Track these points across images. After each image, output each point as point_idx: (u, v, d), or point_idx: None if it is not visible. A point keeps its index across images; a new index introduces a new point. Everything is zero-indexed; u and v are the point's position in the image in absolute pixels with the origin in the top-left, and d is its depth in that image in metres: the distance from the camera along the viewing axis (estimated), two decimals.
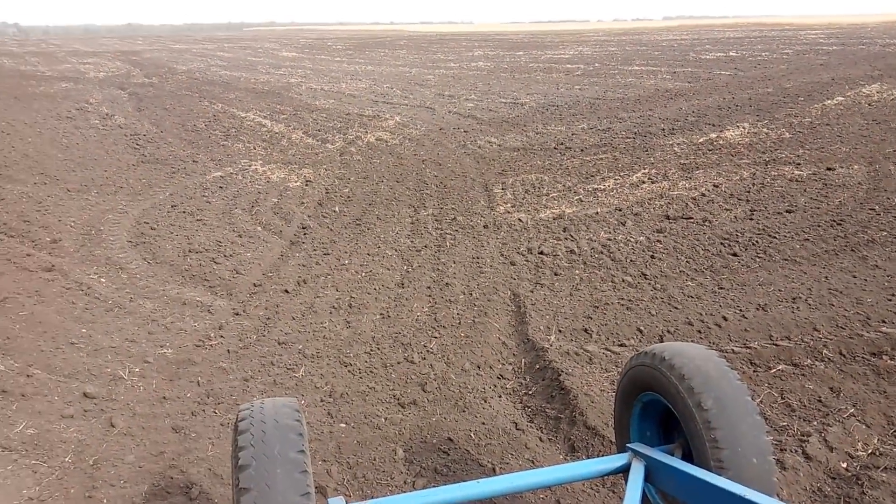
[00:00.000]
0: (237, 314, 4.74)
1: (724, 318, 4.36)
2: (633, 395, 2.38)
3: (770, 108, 12.37)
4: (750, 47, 30.09)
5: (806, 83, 15.76)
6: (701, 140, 9.90)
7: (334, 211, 7.23)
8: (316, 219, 6.96)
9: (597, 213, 6.76)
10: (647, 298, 4.75)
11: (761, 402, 3.47)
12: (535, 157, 9.45)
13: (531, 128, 11.67)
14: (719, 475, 1.93)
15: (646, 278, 5.11)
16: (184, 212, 7.21)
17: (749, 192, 7.19)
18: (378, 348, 4.21)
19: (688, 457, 2.15)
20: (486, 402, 3.61)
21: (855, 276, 4.94)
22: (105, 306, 4.84)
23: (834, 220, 6.13)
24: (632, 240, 5.92)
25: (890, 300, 4.51)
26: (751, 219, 6.33)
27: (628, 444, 2.29)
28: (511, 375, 3.91)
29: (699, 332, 4.24)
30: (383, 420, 3.46)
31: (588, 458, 3.11)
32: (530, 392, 3.74)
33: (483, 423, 3.41)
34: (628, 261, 5.47)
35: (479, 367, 3.95)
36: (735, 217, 6.40)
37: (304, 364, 4.03)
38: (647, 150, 9.43)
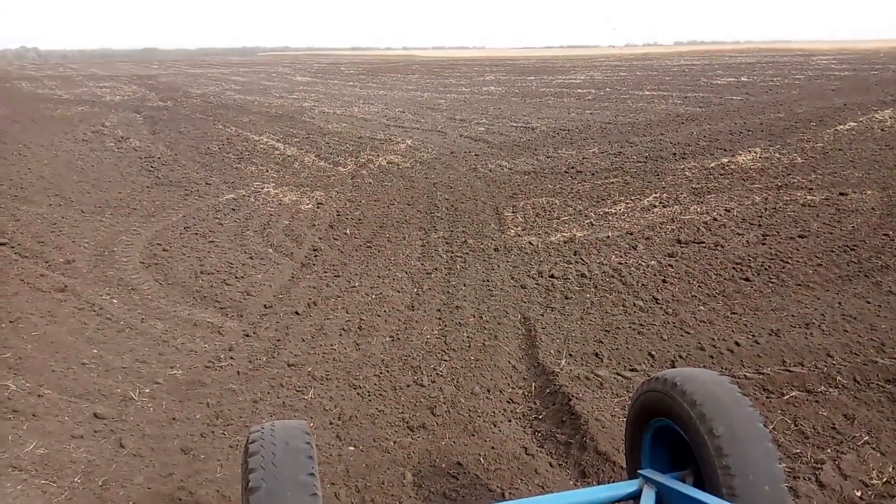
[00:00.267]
0: (247, 336, 4.75)
1: (737, 344, 4.32)
2: (645, 421, 2.36)
3: (782, 133, 12.37)
4: (761, 72, 30.17)
5: (818, 108, 15.76)
6: (712, 165, 9.89)
7: (345, 233, 7.26)
8: (327, 241, 6.99)
9: (608, 236, 6.75)
10: (659, 323, 4.72)
11: (774, 428, 3.42)
12: (546, 180, 9.47)
13: (542, 152, 11.71)
14: (731, 503, 1.90)
15: (657, 303, 5.08)
16: (196, 233, 7.26)
17: (761, 216, 7.17)
18: (387, 371, 4.20)
19: (699, 484, 2.12)
20: (495, 426, 3.58)
21: (869, 302, 4.90)
22: (117, 327, 4.87)
23: (847, 246, 6.09)
24: (643, 264, 5.90)
25: None
26: (763, 243, 6.30)
27: (639, 471, 2.27)
28: (521, 400, 3.89)
29: (711, 357, 4.20)
30: (392, 443, 3.44)
31: (599, 484, 3.07)
32: (540, 417, 3.71)
33: (493, 448, 3.38)
34: (639, 285, 5.44)
35: (488, 391, 3.93)
36: (747, 242, 6.37)
37: (313, 386, 4.03)
38: (658, 175, 9.44)
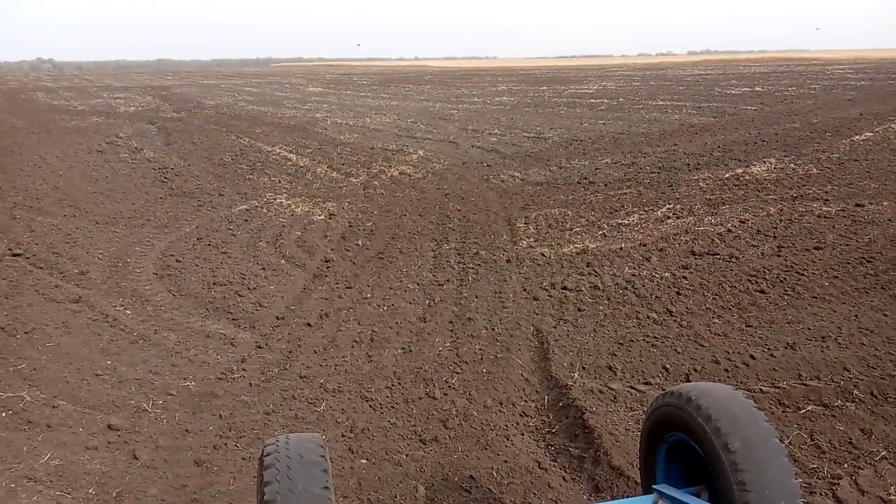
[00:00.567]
0: (260, 347, 4.76)
1: (752, 357, 4.28)
2: (659, 436, 2.34)
3: (797, 144, 12.29)
4: (776, 82, 30.04)
5: (833, 118, 15.66)
6: (727, 175, 9.85)
7: (357, 244, 7.28)
8: (339, 252, 7.01)
9: (621, 248, 6.72)
10: (673, 336, 4.69)
11: (790, 443, 3.38)
12: (559, 191, 9.46)
13: (554, 162, 11.70)
14: None
15: (671, 315, 5.05)
16: (209, 244, 7.30)
17: (776, 228, 7.12)
18: (399, 383, 4.19)
19: (714, 499, 2.10)
20: (508, 439, 3.56)
21: (886, 315, 4.84)
22: (130, 338, 4.89)
23: (864, 258, 6.03)
24: (657, 276, 5.87)
25: None
26: (778, 255, 6.25)
27: (654, 486, 2.25)
28: (534, 413, 3.87)
29: (726, 370, 4.17)
30: (404, 456, 3.43)
31: (613, 499, 3.05)
32: (553, 430, 3.69)
33: (505, 462, 3.36)
34: (653, 297, 5.41)
35: (501, 404, 3.91)
36: (762, 253, 6.33)
37: (325, 398, 4.03)
38: (672, 186, 9.40)
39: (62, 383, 4.17)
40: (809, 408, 3.69)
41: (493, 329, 4.95)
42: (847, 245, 6.43)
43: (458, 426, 3.69)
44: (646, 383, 4.08)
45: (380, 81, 46.20)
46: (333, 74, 63.45)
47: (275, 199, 9.51)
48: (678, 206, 8.23)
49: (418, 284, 5.96)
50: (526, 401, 3.98)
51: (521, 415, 3.83)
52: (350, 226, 8.08)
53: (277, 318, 5.29)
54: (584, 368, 4.28)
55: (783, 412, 3.67)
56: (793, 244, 6.53)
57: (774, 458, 1.97)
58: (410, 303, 5.53)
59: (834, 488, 3.01)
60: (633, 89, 29.62)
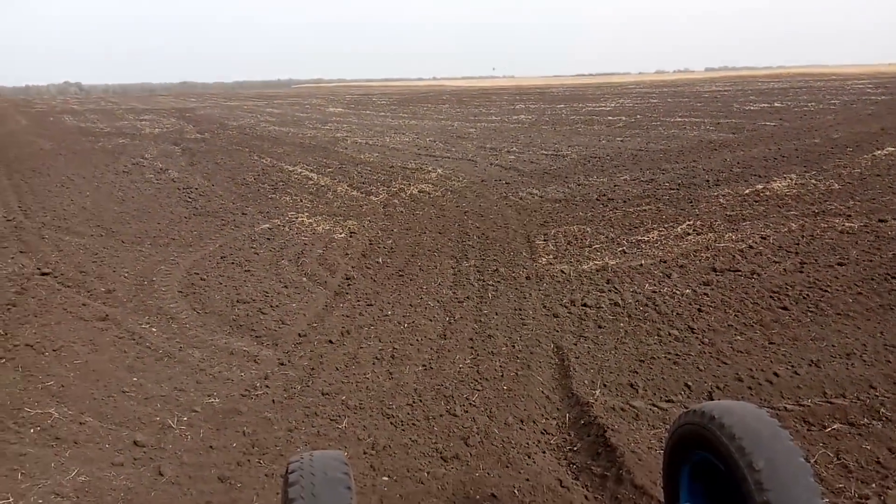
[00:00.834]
0: (282, 364, 4.80)
1: (776, 375, 4.25)
2: (682, 455, 2.33)
3: (818, 159, 12.21)
4: (795, 98, 29.88)
5: (854, 133, 15.53)
6: (747, 191, 9.79)
7: (378, 262, 7.33)
8: (360, 270, 7.06)
9: (641, 264, 6.70)
10: (695, 353, 4.67)
11: (816, 462, 3.35)
12: (577, 208, 9.47)
13: (573, 179, 11.71)
14: None
15: (693, 332, 5.03)
16: (232, 263, 7.39)
17: (798, 244, 7.06)
18: (420, 400, 4.20)
19: None
20: (529, 457, 3.56)
21: None
22: (155, 355, 4.96)
23: (888, 274, 5.96)
24: (677, 292, 5.85)
25: None
26: (801, 271, 6.20)
27: None
28: (555, 430, 3.86)
29: (749, 388, 4.14)
30: (426, 474, 3.44)
31: None
32: (575, 448, 3.68)
33: (527, 480, 3.36)
34: (674, 314, 5.39)
35: (522, 422, 3.91)
36: (784, 270, 6.28)
37: (347, 415, 4.05)
38: (691, 202, 9.37)
39: (89, 400, 4.24)
40: (835, 426, 3.65)
41: (514, 346, 4.95)
42: (870, 261, 6.36)
43: (479, 443, 3.69)
44: (668, 401, 4.06)
45: (398, 101, 46.56)
46: (353, 95, 64.05)
47: (297, 218, 9.60)
48: (698, 223, 8.20)
49: (438, 301, 5.99)
50: (547, 418, 3.98)
51: (542, 432, 3.83)
52: (370, 244, 8.14)
53: (300, 335, 5.33)
54: (605, 386, 4.27)
55: (808, 430, 3.64)
56: (815, 260, 6.48)
57: (800, 477, 1.95)
58: (431, 320, 5.56)
59: None
60: (650, 106, 29.59)
